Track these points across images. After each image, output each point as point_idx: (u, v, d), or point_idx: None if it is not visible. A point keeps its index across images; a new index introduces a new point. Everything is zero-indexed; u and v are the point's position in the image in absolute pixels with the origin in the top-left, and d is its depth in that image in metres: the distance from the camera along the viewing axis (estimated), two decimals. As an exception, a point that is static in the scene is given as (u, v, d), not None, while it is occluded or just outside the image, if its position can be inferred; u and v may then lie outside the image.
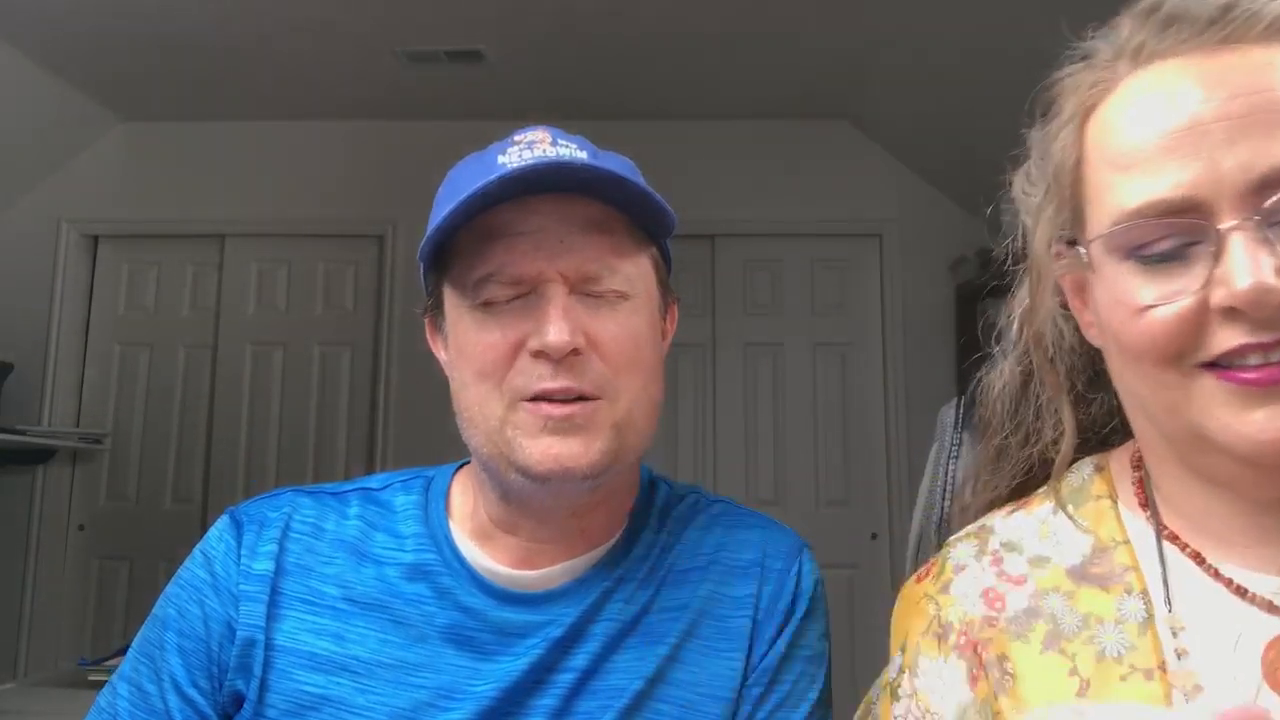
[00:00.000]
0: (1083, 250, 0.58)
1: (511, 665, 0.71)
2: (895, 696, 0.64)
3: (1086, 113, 0.59)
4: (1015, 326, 0.69)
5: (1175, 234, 0.53)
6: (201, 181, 3.69)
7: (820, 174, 3.64)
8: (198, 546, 0.78)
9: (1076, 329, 0.65)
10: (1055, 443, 0.67)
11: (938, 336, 3.56)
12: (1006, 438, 0.70)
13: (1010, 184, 0.68)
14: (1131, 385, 0.59)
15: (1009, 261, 0.69)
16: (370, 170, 3.66)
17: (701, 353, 3.66)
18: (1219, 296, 0.51)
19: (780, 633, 0.75)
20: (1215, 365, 0.53)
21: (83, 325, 3.74)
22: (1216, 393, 0.53)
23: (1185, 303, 0.52)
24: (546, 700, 0.71)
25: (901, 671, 0.64)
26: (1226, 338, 0.52)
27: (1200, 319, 0.52)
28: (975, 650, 0.61)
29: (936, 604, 0.64)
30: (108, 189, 3.69)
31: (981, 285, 3.32)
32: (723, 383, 3.65)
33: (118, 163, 3.72)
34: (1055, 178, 0.61)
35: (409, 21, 2.92)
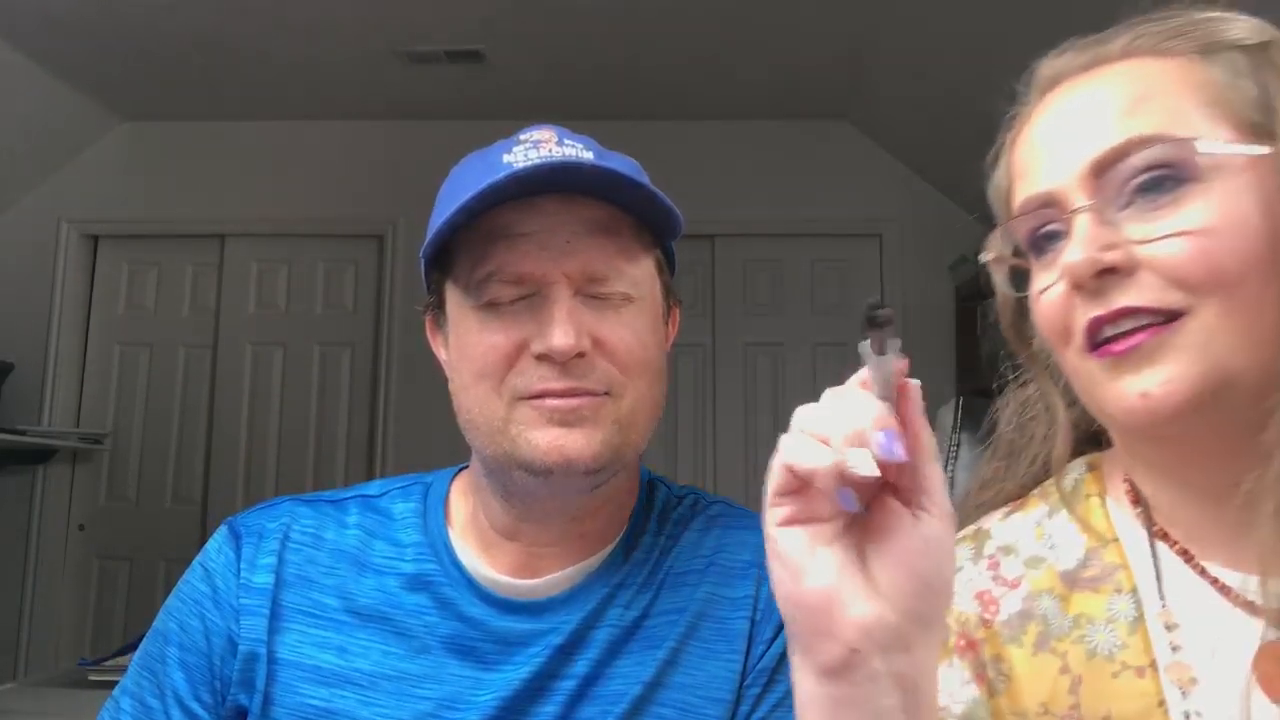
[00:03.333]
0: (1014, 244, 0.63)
1: (513, 674, 0.71)
2: None
3: None
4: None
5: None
6: (201, 181, 3.68)
7: (820, 174, 3.64)
8: (197, 559, 0.78)
9: None
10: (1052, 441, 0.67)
11: (938, 336, 3.56)
12: (1013, 435, 0.70)
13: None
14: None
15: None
16: (370, 170, 3.66)
17: (701, 353, 3.66)
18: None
19: (778, 633, 0.74)
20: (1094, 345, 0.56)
21: (83, 325, 3.73)
22: (1095, 370, 0.56)
23: (1060, 287, 0.56)
24: (548, 708, 0.71)
25: None
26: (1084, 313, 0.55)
27: (1069, 302, 0.56)
28: (975, 650, 0.61)
29: None
30: (108, 189, 3.69)
31: (981, 285, 3.31)
32: (723, 383, 3.65)
33: (118, 163, 3.71)
34: None
35: (409, 21, 2.92)
